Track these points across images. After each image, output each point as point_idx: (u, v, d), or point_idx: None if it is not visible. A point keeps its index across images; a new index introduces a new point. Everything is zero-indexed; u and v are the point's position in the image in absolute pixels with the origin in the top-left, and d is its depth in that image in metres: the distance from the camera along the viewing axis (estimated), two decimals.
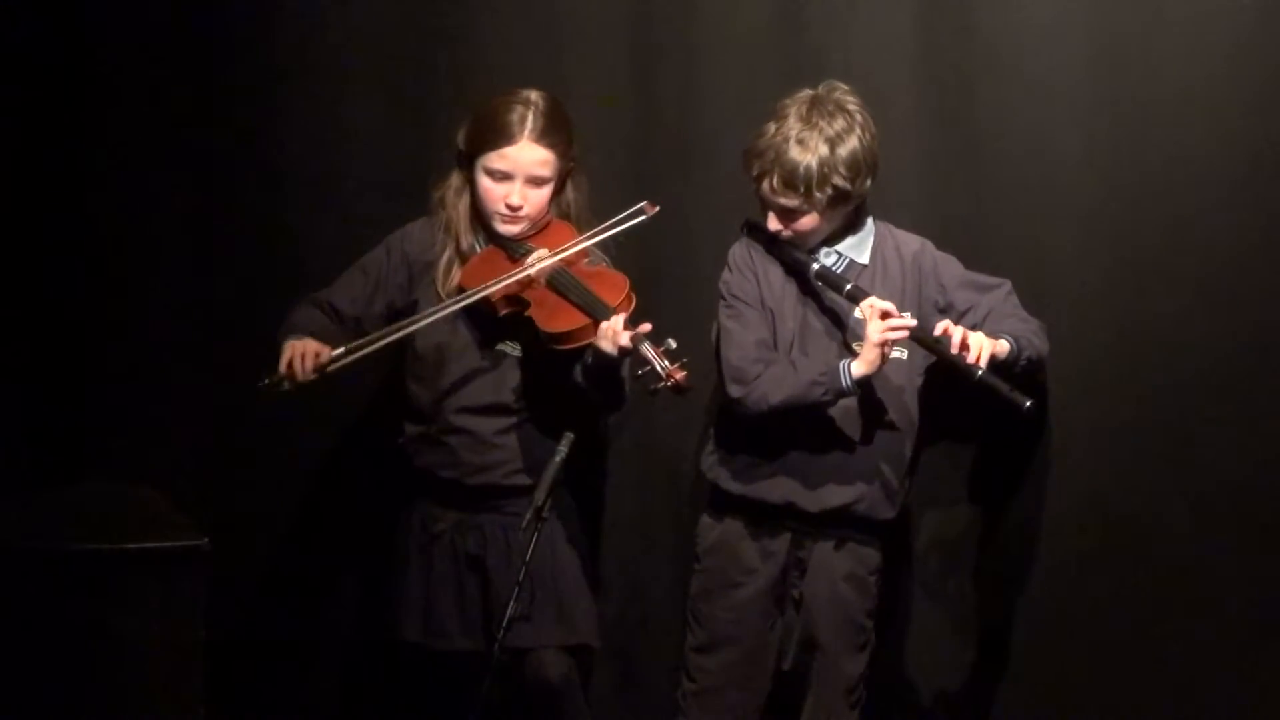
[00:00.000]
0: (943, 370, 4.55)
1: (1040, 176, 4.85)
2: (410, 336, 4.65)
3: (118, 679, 4.22)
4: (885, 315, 4.47)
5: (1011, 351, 4.52)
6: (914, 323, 4.49)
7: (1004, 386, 4.42)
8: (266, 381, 4.56)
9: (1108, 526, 4.89)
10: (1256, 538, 4.81)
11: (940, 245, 4.73)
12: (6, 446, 4.97)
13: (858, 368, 4.50)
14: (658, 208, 4.58)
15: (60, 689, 4.20)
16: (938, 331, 4.48)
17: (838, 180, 4.50)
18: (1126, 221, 4.83)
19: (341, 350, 4.57)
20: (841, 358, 4.57)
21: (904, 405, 4.64)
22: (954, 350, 4.46)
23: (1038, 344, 4.60)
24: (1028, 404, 4.41)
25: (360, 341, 4.58)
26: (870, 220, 4.68)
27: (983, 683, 4.94)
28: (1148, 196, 4.82)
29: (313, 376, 4.54)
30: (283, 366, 4.55)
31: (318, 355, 4.54)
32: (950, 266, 4.69)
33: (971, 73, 4.86)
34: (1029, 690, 4.94)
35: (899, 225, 4.73)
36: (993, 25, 4.84)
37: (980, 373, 4.43)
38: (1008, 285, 4.68)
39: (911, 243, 4.69)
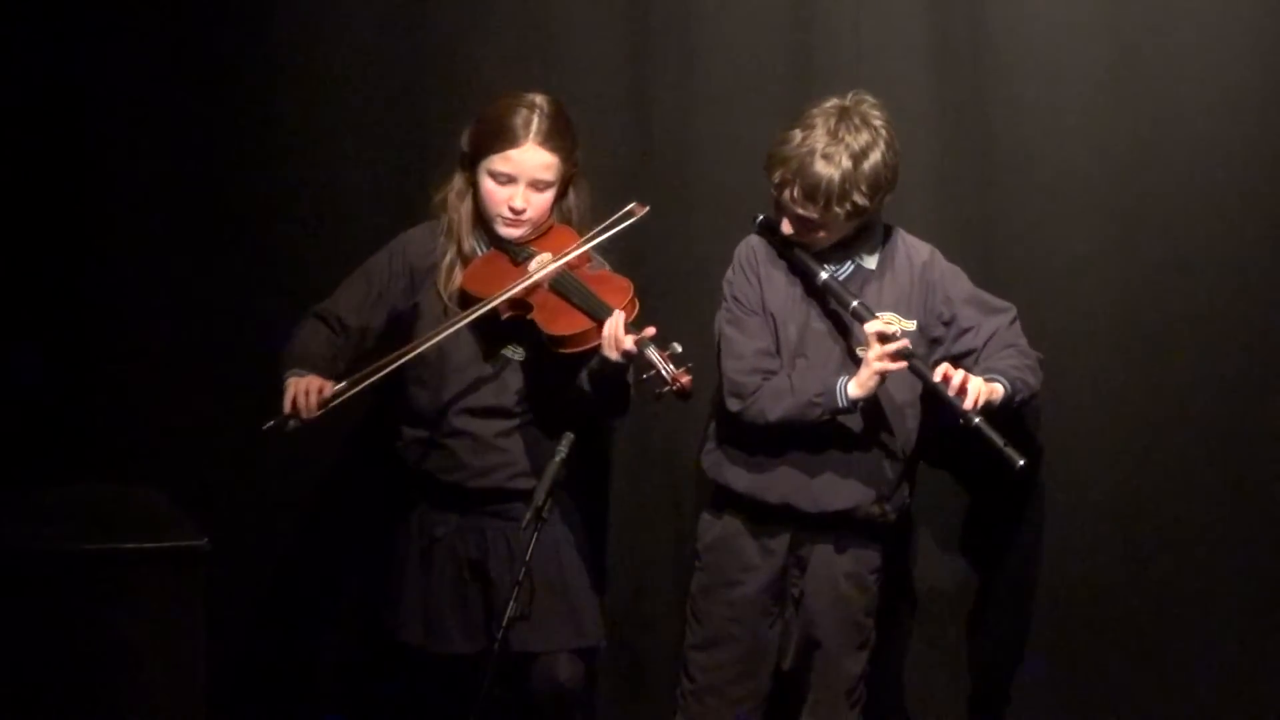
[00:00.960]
0: (937, 409, 4.55)
1: (1054, 176, 4.86)
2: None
3: (118, 679, 4.21)
4: (886, 342, 4.46)
5: (1005, 395, 4.52)
6: (914, 351, 4.49)
7: (998, 440, 4.42)
8: (272, 423, 4.52)
9: (1110, 524, 4.90)
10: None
11: (952, 246, 4.73)
12: (6, 446, 4.96)
13: (854, 389, 4.50)
14: (647, 208, 4.57)
15: (60, 689, 4.19)
16: (937, 377, 4.47)
17: (857, 197, 4.49)
18: (1141, 222, 4.85)
19: (344, 384, 4.54)
20: (844, 363, 4.58)
21: (904, 410, 4.64)
22: (951, 393, 4.45)
23: (1032, 382, 4.60)
24: (1020, 463, 4.40)
25: (364, 371, 4.55)
26: (883, 227, 4.67)
27: (984, 682, 4.95)
28: (1163, 197, 4.83)
29: (318, 413, 4.51)
30: (287, 406, 4.52)
31: (321, 391, 4.52)
32: (958, 280, 4.68)
33: (984, 72, 4.86)
34: (1030, 688, 4.95)
35: (910, 226, 4.72)
36: (1006, 24, 4.84)
37: (976, 421, 4.43)
38: (1013, 312, 4.67)
39: (921, 251, 4.69)
